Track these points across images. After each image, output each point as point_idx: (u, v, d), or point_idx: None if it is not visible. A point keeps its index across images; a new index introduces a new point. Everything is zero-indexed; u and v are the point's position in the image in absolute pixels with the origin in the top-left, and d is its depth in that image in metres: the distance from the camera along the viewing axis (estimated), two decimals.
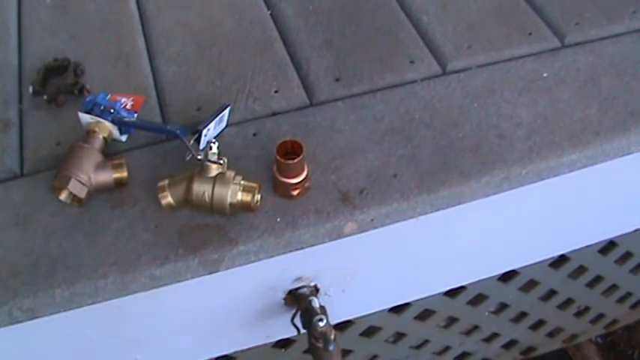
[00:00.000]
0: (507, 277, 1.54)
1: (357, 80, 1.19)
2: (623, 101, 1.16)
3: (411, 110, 1.14)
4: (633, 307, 1.98)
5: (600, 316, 1.94)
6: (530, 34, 1.28)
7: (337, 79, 1.19)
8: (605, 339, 2.21)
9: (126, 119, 1.08)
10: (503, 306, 1.67)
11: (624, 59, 1.24)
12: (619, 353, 2.21)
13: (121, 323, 1.05)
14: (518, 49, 1.25)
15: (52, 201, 1.02)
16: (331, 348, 1.06)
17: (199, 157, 0.98)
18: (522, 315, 1.75)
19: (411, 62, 1.22)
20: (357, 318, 1.41)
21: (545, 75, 1.20)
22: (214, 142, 0.98)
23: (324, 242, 1.02)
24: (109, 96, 1.12)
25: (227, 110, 1.09)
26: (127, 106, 1.12)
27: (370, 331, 1.52)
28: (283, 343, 1.43)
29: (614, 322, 2.02)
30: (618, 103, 1.16)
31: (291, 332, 1.14)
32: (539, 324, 1.83)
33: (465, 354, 1.83)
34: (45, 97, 1.15)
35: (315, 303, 1.09)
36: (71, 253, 0.97)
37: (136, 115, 1.11)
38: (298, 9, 1.34)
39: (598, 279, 1.73)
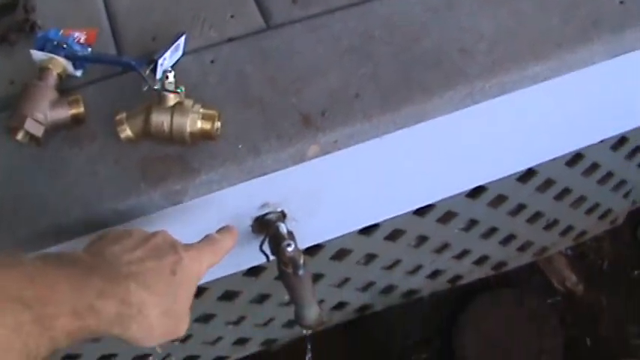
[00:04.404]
0: (475, 193, 1.55)
1: (314, 0, 1.16)
2: (585, 11, 1.15)
3: (370, 28, 1.12)
4: (601, 217, 2.01)
5: (569, 228, 1.97)
6: None
7: (294, 1, 1.16)
8: (575, 250, 2.25)
9: (79, 54, 1.06)
10: (472, 222, 1.69)
11: None
12: (589, 264, 2.25)
13: None
14: None
15: (9, 142, 0.99)
16: (301, 273, 1.06)
17: (156, 87, 0.96)
18: (492, 230, 1.77)
19: None
20: (327, 242, 1.42)
21: None
22: (170, 72, 0.96)
23: (288, 167, 1.01)
24: (61, 31, 1.08)
25: (182, 38, 1.07)
26: (81, 40, 1.09)
27: (341, 254, 1.53)
28: (254, 271, 1.44)
29: (583, 233, 2.05)
30: (580, 12, 1.14)
31: (261, 259, 1.15)
32: (509, 239, 1.85)
33: (436, 272, 1.85)
34: None
35: (283, 228, 1.09)
36: (32, 193, 0.95)
37: (90, 48, 1.08)
38: None
39: (566, 191, 1.75)
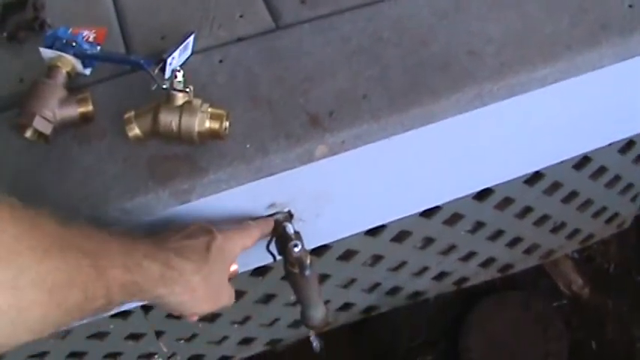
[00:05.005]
0: (482, 195, 1.55)
1: (322, 1, 1.16)
2: (593, 14, 1.15)
3: (379, 29, 1.12)
4: (608, 221, 2.00)
5: (576, 231, 1.96)
6: None
7: (302, 1, 1.16)
8: (582, 254, 2.24)
9: (88, 52, 1.06)
10: (479, 225, 1.68)
11: None
12: (595, 267, 2.25)
13: None
14: None
15: (18, 140, 0.99)
16: (307, 273, 1.06)
17: (164, 86, 0.97)
18: (499, 233, 1.76)
19: None
20: (333, 242, 1.42)
21: None
22: (179, 71, 0.96)
23: (296, 167, 1.01)
24: (70, 29, 1.08)
25: (191, 37, 1.07)
26: (90, 39, 1.09)
27: (347, 255, 1.53)
28: (260, 271, 1.44)
29: (590, 236, 2.05)
30: (589, 16, 1.14)
31: (268, 259, 1.15)
32: (515, 241, 1.85)
33: (443, 274, 1.85)
34: (5, 34, 1.12)
35: (290, 229, 1.09)
36: (40, 191, 0.96)
37: (98, 47, 1.08)
38: None
39: (573, 194, 1.74)
